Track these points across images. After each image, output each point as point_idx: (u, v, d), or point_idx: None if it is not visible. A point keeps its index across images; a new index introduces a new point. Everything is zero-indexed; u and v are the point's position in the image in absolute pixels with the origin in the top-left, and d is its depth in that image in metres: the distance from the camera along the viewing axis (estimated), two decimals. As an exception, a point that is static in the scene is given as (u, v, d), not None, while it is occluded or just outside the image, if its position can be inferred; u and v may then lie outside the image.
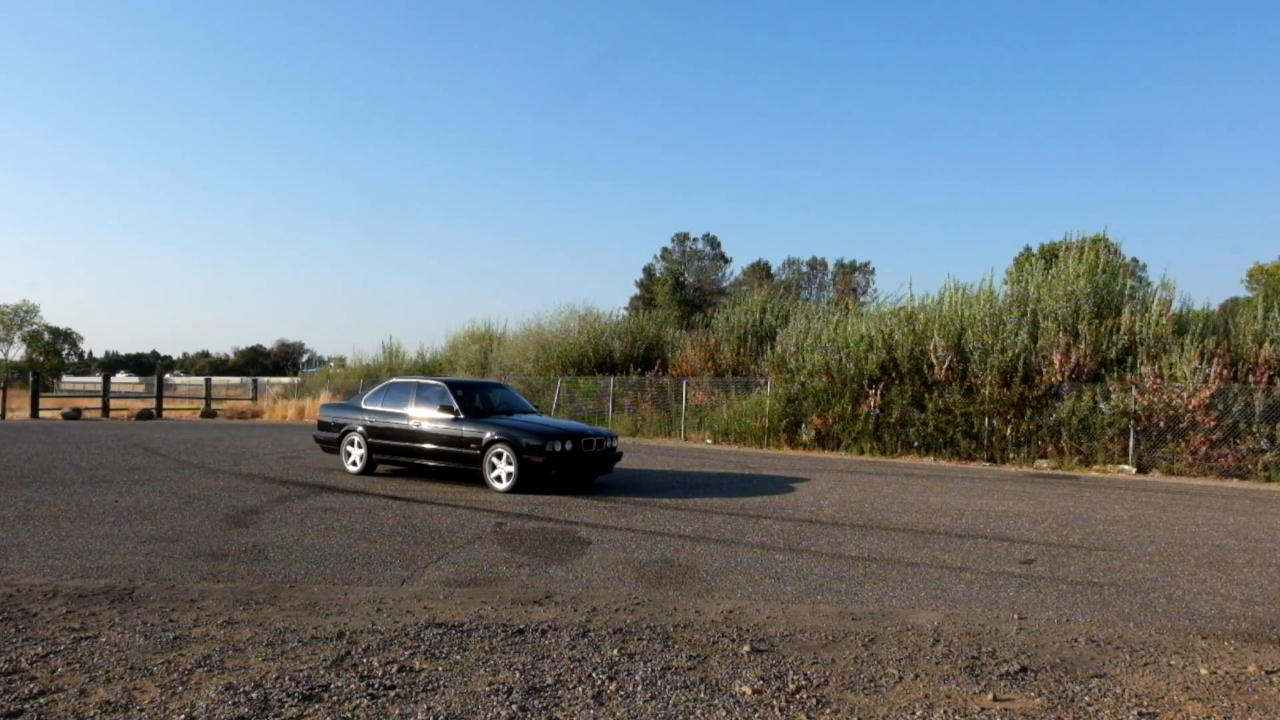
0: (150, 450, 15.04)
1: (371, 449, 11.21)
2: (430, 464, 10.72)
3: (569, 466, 9.93)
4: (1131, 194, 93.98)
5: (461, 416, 10.43)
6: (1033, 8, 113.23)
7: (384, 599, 5.12)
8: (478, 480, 10.32)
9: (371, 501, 9.25)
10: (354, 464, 11.41)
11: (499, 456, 9.98)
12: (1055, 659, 4.19)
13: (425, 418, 10.73)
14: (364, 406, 11.52)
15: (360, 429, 11.31)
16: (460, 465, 10.37)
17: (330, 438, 11.79)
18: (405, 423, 10.92)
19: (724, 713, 3.42)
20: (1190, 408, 13.62)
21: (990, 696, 3.66)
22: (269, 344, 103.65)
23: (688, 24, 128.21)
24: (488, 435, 10.09)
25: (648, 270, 54.53)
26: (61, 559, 6.07)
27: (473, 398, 10.98)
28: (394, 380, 11.87)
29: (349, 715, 3.33)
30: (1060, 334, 15.32)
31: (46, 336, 64.70)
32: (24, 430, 20.27)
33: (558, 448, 9.76)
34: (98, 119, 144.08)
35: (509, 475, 9.85)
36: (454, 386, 10.97)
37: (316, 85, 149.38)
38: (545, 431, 9.93)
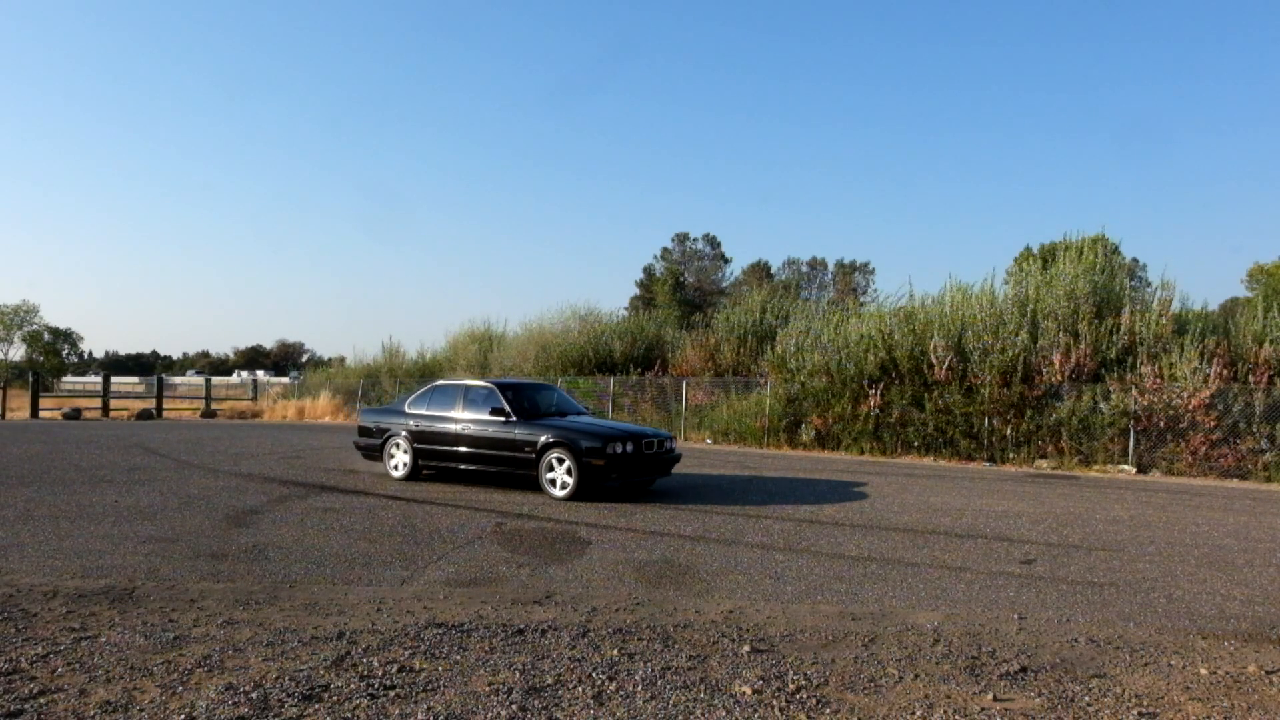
0: (150, 450, 15.04)
1: (417, 454, 10.77)
2: (480, 469, 10.27)
3: (629, 469, 9.49)
4: (1131, 194, 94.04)
5: (514, 419, 9.99)
6: (1033, 8, 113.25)
7: (384, 599, 5.12)
8: (531, 486, 9.97)
9: (371, 501, 9.25)
10: (397, 469, 10.98)
11: (556, 461, 9.52)
12: (1055, 659, 4.19)
13: (474, 421, 10.31)
14: (408, 410, 11.09)
15: (404, 433, 10.88)
16: (514, 470, 9.95)
17: (372, 443, 11.37)
18: (453, 426, 10.48)
19: (724, 713, 3.42)
20: (1190, 408, 13.61)
21: (990, 696, 3.66)
22: (269, 344, 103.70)
23: (688, 24, 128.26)
24: (543, 438, 9.64)
25: (648, 270, 54.52)
26: (61, 559, 6.07)
27: (524, 399, 10.49)
28: (439, 383, 11.48)
29: (349, 715, 3.33)
30: (1060, 334, 15.31)
31: (46, 336, 64.62)
32: (24, 430, 20.27)
33: (618, 450, 9.31)
34: (98, 119, 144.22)
35: (567, 480, 9.40)
36: (504, 388, 10.53)
37: (316, 85, 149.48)
38: (604, 433, 9.55)
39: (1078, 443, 14.57)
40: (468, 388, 10.82)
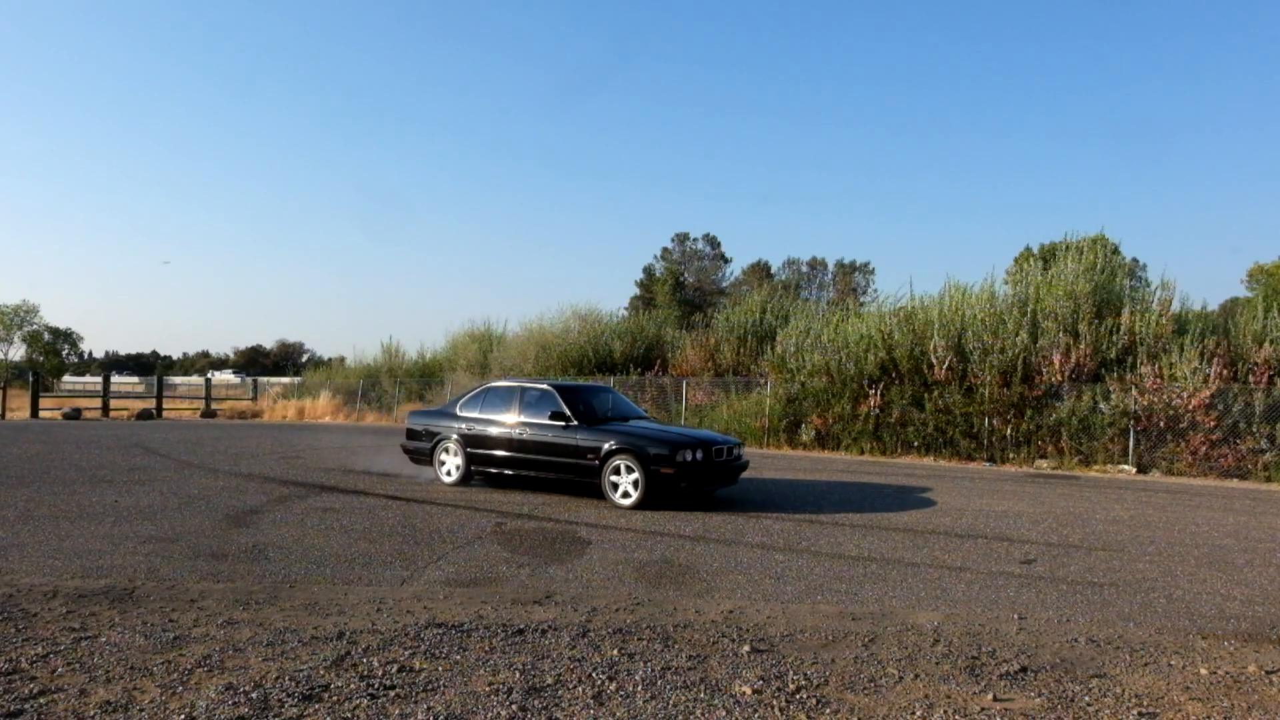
0: (150, 450, 15.04)
1: (469, 459, 10.36)
2: (538, 476, 9.86)
3: (699, 478, 9.04)
4: (1131, 194, 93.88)
5: (575, 424, 9.52)
6: (1033, 8, 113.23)
7: (384, 599, 5.12)
8: (594, 494, 9.47)
9: (371, 501, 9.25)
10: (448, 474, 10.56)
11: (622, 469, 9.06)
12: (1055, 659, 4.19)
13: (531, 425, 9.85)
14: (459, 413, 10.65)
15: (455, 437, 10.48)
16: (575, 478, 9.51)
17: (421, 447, 10.94)
18: (508, 431, 10.05)
19: (724, 713, 3.42)
20: (1190, 408, 13.61)
21: (990, 696, 3.66)
22: (269, 344, 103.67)
23: (688, 24, 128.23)
24: (607, 445, 9.17)
25: (648, 270, 54.48)
26: (61, 559, 6.07)
27: (584, 403, 10.01)
28: (493, 384, 10.99)
29: (349, 715, 3.33)
30: (1060, 334, 15.32)
31: (46, 336, 64.66)
32: (24, 430, 20.27)
33: (688, 457, 8.87)
34: (98, 119, 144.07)
35: (635, 489, 8.94)
36: (563, 390, 10.06)
37: (316, 85, 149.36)
38: (673, 439, 9.09)
39: (1078, 443, 14.57)
40: (524, 390, 10.36)
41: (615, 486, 9.14)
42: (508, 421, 10.15)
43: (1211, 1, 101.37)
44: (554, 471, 9.73)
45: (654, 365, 22.88)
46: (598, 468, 9.27)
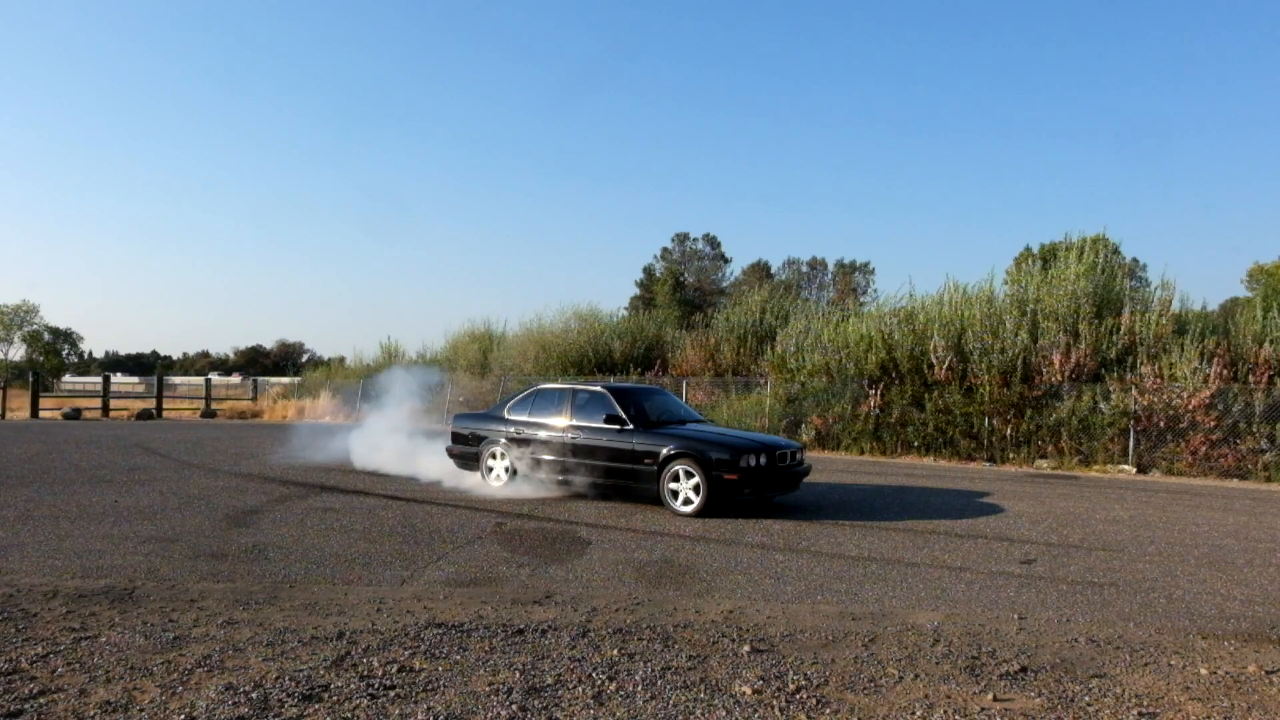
0: (150, 450, 15.04)
1: (518, 464, 9.99)
2: (591, 481, 9.45)
3: (762, 483, 8.67)
4: (1131, 194, 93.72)
5: (630, 428, 9.12)
6: (1033, 8, 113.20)
7: (384, 599, 5.12)
8: (650, 501, 9.07)
9: (371, 501, 9.25)
10: (497, 479, 10.16)
11: (681, 474, 8.67)
12: (1055, 659, 4.19)
13: (584, 429, 9.48)
14: (507, 416, 10.26)
15: (503, 441, 10.11)
16: (631, 484, 9.10)
17: (468, 451, 10.54)
18: (559, 435, 9.66)
19: (724, 713, 3.42)
20: (1190, 408, 13.61)
21: (990, 696, 3.66)
22: (269, 344, 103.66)
23: (688, 24, 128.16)
24: (666, 449, 8.77)
25: (648, 270, 54.46)
26: (61, 559, 6.07)
27: (641, 405, 9.61)
28: (543, 386, 10.60)
29: (349, 715, 3.33)
30: (1060, 334, 15.32)
31: (46, 336, 64.76)
32: (24, 430, 20.27)
33: (752, 462, 8.48)
34: (98, 119, 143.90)
35: (696, 496, 8.53)
36: (617, 393, 9.65)
37: (316, 85, 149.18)
38: (735, 443, 8.76)
39: (1078, 443, 14.57)
40: (575, 392, 10.00)
41: (675, 494, 8.73)
42: (558, 425, 9.77)
43: (1211, 1, 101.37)
44: (608, 477, 9.34)
45: (654, 365, 22.87)
46: (656, 473, 8.86)
